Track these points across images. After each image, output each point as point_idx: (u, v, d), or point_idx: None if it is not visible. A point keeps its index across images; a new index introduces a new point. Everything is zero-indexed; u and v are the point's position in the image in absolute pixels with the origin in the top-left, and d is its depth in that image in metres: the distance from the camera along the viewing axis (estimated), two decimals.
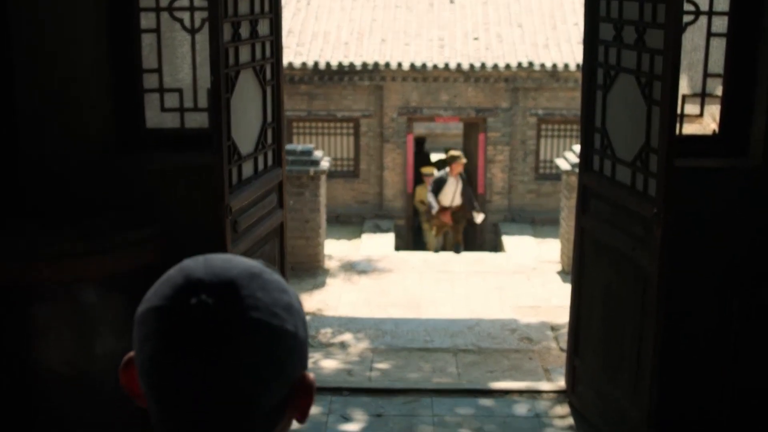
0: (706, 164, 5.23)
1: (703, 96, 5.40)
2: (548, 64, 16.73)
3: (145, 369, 1.17)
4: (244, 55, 4.88)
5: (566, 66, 16.66)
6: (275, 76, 5.26)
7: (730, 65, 5.25)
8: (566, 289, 8.11)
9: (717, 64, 5.32)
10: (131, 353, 1.24)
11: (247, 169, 5.00)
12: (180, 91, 5.30)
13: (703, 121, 5.49)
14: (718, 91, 5.36)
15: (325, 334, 7.29)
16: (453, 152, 14.71)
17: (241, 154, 4.85)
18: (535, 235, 15.82)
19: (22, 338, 4.41)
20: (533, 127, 17.47)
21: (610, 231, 5.11)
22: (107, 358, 4.49)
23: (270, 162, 5.35)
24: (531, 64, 16.77)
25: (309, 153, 10.41)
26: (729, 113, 5.29)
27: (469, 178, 15.27)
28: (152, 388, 1.17)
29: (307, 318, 7.90)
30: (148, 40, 5.25)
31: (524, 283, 10.17)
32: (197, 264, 1.20)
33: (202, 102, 5.30)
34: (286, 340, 1.17)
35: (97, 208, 4.98)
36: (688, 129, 5.44)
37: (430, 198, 14.21)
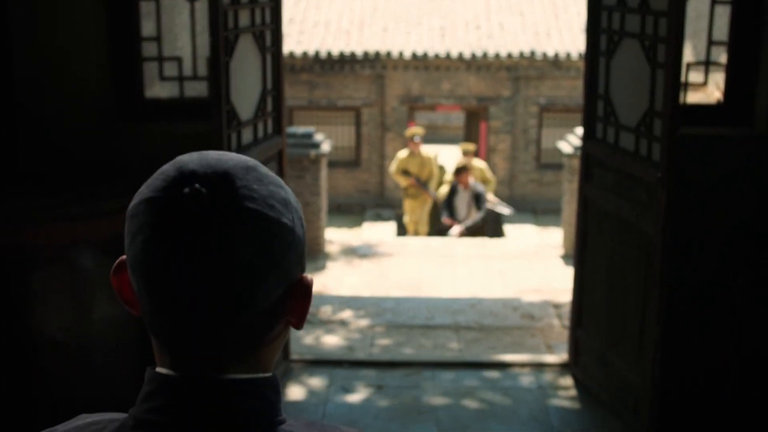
0: (709, 132, 5.18)
1: (707, 64, 5.34)
2: (550, 53, 16.67)
3: (138, 262, 1.12)
4: (244, 19, 4.84)
5: (568, 55, 16.60)
6: (275, 42, 5.21)
7: (734, 33, 5.19)
8: (568, 272, 8.07)
9: (721, 31, 5.26)
10: (123, 256, 1.20)
11: (247, 135, 4.95)
12: (179, 59, 5.25)
13: (707, 89, 5.44)
14: (723, 59, 5.31)
15: (326, 311, 7.24)
16: (465, 147, 13.22)
17: (241, 119, 4.80)
18: (537, 224, 15.76)
19: (19, 302, 4.36)
20: (535, 116, 17.42)
21: (614, 199, 5.06)
22: (104, 323, 4.45)
23: (270, 130, 5.30)
24: (533, 53, 16.71)
25: (309, 136, 10.36)
26: (733, 82, 5.23)
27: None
28: (144, 284, 1.12)
29: None
30: (146, 8, 5.20)
31: (526, 267, 10.11)
32: (191, 158, 1.16)
33: (202, 71, 5.25)
34: (283, 233, 1.12)
35: (95, 175, 4.94)
36: (693, 98, 5.39)
37: (443, 213, 12.55)
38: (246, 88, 4.89)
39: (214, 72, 4.48)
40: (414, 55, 16.77)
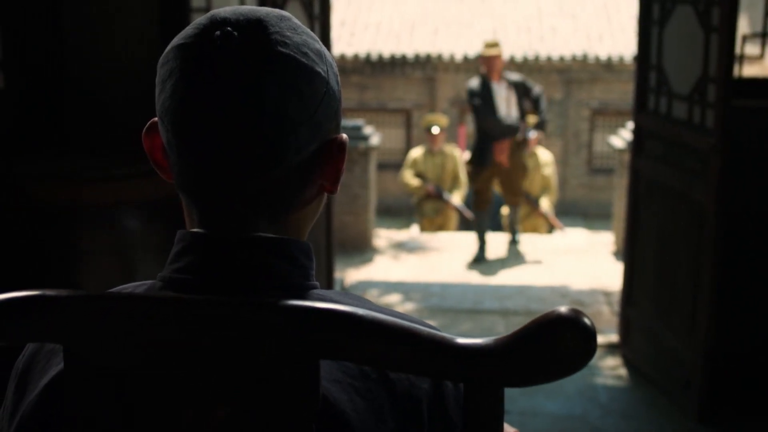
0: (765, 105, 5.05)
1: (763, 36, 5.23)
2: (602, 56, 16.50)
3: (165, 109, 1.10)
4: None
5: (621, 58, 16.42)
6: (323, 10, 5.19)
7: None
8: (619, 267, 7.92)
9: None
10: (155, 118, 1.18)
11: None
12: None
13: (764, 62, 5.31)
14: None
15: (372, 295, 7.19)
16: (488, 41, 8.59)
17: None
18: (588, 227, 15.55)
19: (63, 261, 4.37)
20: (587, 120, 17.24)
21: (665, 169, 4.95)
22: None
23: None
24: (585, 56, 16.56)
25: (359, 129, 10.32)
26: None
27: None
28: (173, 132, 1.09)
29: (354, 283, 7.86)
30: None
31: (576, 262, 9.96)
32: (224, 8, 1.15)
33: None
34: (317, 82, 1.09)
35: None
36: (749, 71, 5.26)
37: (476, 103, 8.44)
38: None
39: None
40: (465, 58, 16.70)
